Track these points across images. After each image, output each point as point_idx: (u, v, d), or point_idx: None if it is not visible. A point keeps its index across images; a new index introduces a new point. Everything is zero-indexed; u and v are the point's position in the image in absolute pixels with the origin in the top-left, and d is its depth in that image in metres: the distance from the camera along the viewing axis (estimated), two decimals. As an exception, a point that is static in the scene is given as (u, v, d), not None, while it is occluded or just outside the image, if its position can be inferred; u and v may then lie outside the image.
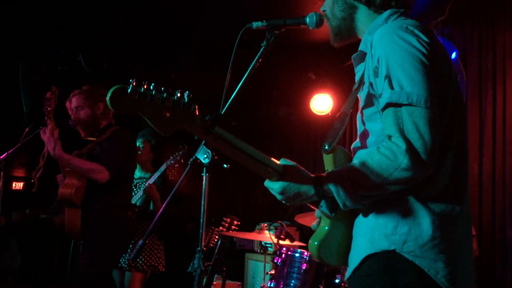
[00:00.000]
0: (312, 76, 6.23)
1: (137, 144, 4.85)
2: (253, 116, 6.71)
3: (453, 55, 4.22)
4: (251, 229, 5.28)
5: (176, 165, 4.68)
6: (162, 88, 1.35)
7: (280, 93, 6.75)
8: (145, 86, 1.32)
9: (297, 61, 5.76)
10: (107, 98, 1.28)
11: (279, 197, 1.62)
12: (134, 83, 1.30)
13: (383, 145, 1.49)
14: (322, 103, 6.06)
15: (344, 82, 5.95)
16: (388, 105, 1.50)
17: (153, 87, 1.33)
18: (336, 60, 5.50)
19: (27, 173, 12.23)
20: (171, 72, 5.92)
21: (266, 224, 4.38)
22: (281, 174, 1.58)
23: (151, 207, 4.73)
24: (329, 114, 6.06)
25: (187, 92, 1.39)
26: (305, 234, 5.54)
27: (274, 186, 1.60)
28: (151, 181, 4.65)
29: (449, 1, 4.22)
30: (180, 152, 4.68)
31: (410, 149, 1.43)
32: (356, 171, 1.51)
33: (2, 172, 3.53)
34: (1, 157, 3.54)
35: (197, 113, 1.40)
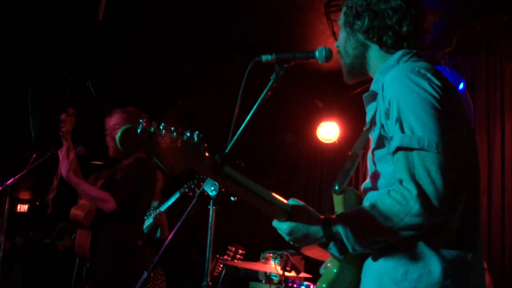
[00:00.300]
0: (319, 104, 6.24)
1: None
2: (260, 142, 6.71)
3: (461, 86, 4.21)
4: (256, 256, 5.22)
5: (189, 193, 4.67)
6: (172, 128, 1.35)
7: (287, 120, 6.76)
8: (155, 126, 1.32)
9: (304, 89, 5.77)
10: (117, 138, 1.28)
11: (287, 238, 1.60)
12: (144, 123, 1.30)
13: (394, 190, 1.47)
14: (329, 131, 6.06)
15: (351, 111, 5.96)
16: (399, 148, 1.49)
17: (163, 126, 1.33)
18: (343, 89, 5.51)
19: (32, 195, 12.24)
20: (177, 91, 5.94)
21: (271, 254, 4.33)
22: (290, 214, 1.57)
23: (158, 234, 4.71)
24: (336, 142, 6.05)
25: (197, 132, 1.39)
26: (310, 263, 5.46)
27: (282, 227, 1.58)
28: (162, 208, 4.65)
29: (456, 33, 4.25)
30: (195, 181, 4.67)
31: (422, 194, 1.41)
32: (366, 215, 1.49)
33: (8, 198, 3.54)
34: (7, 182, 3.56)
35: (206, 153, 1.40)
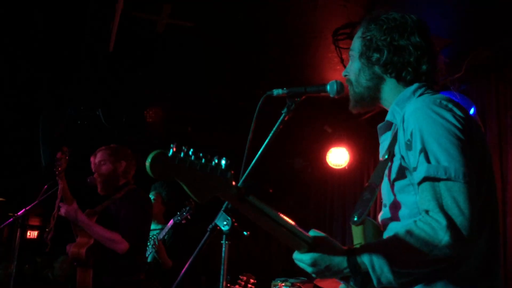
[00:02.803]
0: (328, 130, 6.24)
1: (151, 197, 4.87)
2: (269, 168, 6.70)
3: (471, 111, 4.19)
4: (267, 284, 5.15)
5: (183, 221, 4.65)
6: (201, 154, 1.33)
7: (297, 146, 6.75)
8: (185, 152, 1.30)
9: (313, 115, 5.78)
10: (147, 164, 1.24)
11: (309, 269, 1.56)
12: (175, 148, 1.28)
13: (421, 220, 1.45)
14: (338, 156, 6.04)
15: (360, 136, 5.95)
16: (425, 179, 1.47)
17: (192, 152, 1.31)
18: (352, 114, 5.50)
19: (42, 222, 12.27)
20: (187, 125, 6.00)
21: (283, 283, 4.27)
22: (312, 245, 1.54)
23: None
24: (346, 167, 6.03)
25: (224, 158, 1.37)
26: (323, 292, 5.38)
27: (304, 258, 1.55)
28: (160, 236, 4.62)
29: (465, 58, 4.25)
30: (187, 208, 4.66)
31: (451, 225, 1.38)
32: (393, 247, 1.46)
33: (19, 229, 3.53)
34: (18, 213, 3.56)
35: (233, 181, 1.38)
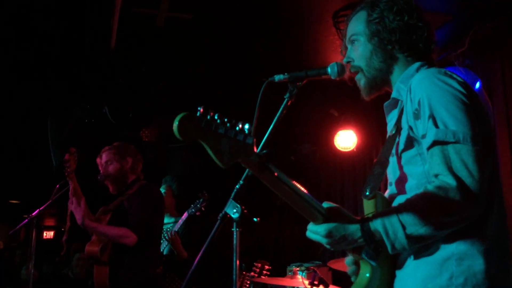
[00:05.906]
0: (334, 113, 6.22)
1: (161, 190, 4.92)
2: (277, 154, 6.70)
3: (477, 85, 4.16)
4: (283, 270, 5.19)
5: (197, 213, 4.69)
6: (226, 119, 1.34)
7: (303, 131, 6.75)
8: (211, 114, 1.30)
9: (318, 99, 5.77)
10: (174, 125, 1.24)
11: (324, 240, 1.57)
12: (202, 110, 1.28)
13: (431, 183, 1.48)
14: (346, 139, 6.03)
15: (367, 117, 5.92)
16: (434, 143, 1.50)
17: (218, 116, 1.32)
18: (358, 96, 5.48)
19: (57, 222, 12.42)
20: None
21: (297, 268, 4.29)
22: (326, 216, 1.55)
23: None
24: (354, 150, 6.02)
25: (247, 124, 1.38)
26: (338, 275, 5.40)
27: (319, 229, 1.56)
28: (175, 228, 4.66)
29: (468, 33, 4.21)
30: (201, 200, 4.70)
31: (461, 186, 1.41)
32: (405, 211, 1.47)
33: (34, 230, 3.58)
34: (33, 214, 3.61)
35: (254, 148, 1.38)
